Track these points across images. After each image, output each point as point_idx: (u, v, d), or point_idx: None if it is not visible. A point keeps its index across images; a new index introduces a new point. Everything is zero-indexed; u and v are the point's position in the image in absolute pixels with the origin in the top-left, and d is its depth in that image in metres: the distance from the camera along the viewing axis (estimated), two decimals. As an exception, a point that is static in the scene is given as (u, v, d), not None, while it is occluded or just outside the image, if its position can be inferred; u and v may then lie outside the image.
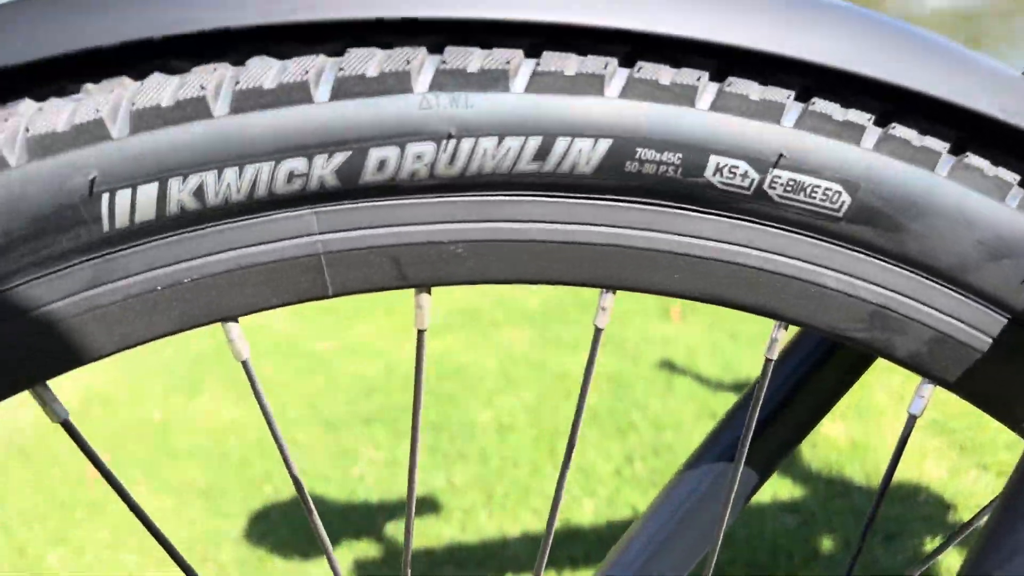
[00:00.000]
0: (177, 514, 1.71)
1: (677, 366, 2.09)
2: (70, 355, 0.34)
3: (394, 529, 1.61)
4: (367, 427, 1.96)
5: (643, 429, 1.83)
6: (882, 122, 0.35)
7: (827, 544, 1.46)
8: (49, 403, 0.36)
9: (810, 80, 0.34)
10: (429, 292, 0.37)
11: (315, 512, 0.40)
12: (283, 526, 1.65)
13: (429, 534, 1.58)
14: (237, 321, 0.36)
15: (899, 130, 0.34)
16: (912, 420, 0.40)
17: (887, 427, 1.78)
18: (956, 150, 0.35)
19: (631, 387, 2.02)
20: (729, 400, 1.92)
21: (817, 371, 0.53)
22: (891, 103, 0.35)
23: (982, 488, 1.51)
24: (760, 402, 0.40)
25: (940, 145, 0.35)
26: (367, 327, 2.50)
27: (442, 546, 1.55)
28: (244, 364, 0.36)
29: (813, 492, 1.59)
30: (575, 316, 2.44)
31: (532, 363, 2.18)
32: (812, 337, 0.54)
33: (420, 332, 0.38)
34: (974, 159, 0.35)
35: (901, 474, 1.61)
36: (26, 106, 0.31)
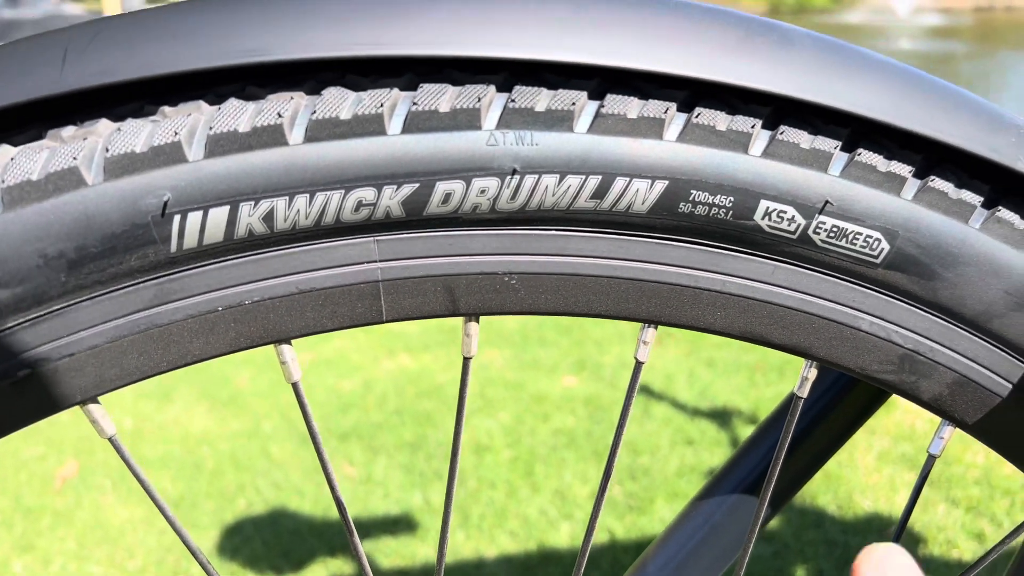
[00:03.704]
0: (148, 524, 1.69)
1: (654, 391, 2.11)
2: (125, 372, 0.34)
3: (370, 547, 1.60)
4: (343, 443, 1.95)
5: (620, 453, 1.83)
6: (921, 175, 0.36)
7: (800, 574, 1.48)
8: (99, 420, 0.36)
9: (857, 132, 0.35)
10: (477, 321, 0.38)
11: (356, 534, 0.40)
12: (256, 540, 1.63)
13: (404, 553, 1.58)
14: (291, 343, 0.36)
15: (937, 183, 0.36)
16: (931, 460, 0.42)
17: (859, 459, 1.81)
18: (989, 204, 0.37)
19: (608, 411, 2.04)
20: (706, 426, 1.94)
21: (833, 408, 0.54)
22: (930, 157, 0.36)
23: (952, 523, 1.54)
24: (788, 439, 0.41)
25: (974, 198, 0.36)
26: (344, 342, 2.49)
27: (417, 565, 1.55)
28: (295, 386, 0.37)
29: (787, 522, 1.61)
30: (553, 338, 2.46)
31: (509, 384, 2.19)
32: (830, 374, 0.55)
33: (466, 359, 0.38)
34: (1005, 213, 0.37)
35: (873, 507, 1.63)
36: (104, 126, 0.31)
